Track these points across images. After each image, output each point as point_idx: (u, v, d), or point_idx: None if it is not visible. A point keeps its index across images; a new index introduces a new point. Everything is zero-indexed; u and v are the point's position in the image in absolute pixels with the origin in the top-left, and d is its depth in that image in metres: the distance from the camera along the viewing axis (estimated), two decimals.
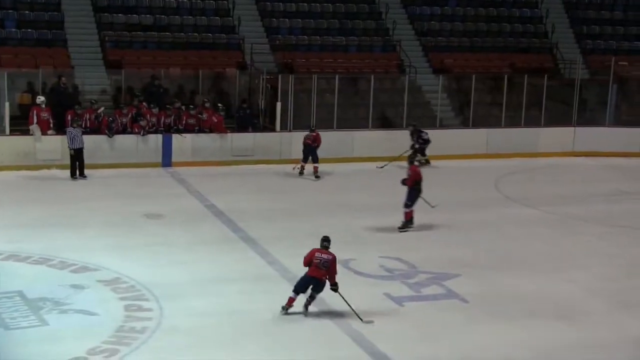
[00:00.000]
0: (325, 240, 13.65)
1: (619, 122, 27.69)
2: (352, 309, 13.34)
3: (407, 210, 18.11)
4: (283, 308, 13.44)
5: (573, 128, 26.75)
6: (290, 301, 13.44)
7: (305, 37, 28.20)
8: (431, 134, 25.09)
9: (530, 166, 25.02)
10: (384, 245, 17.05)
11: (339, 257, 15.72)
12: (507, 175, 23.87)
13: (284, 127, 24.48)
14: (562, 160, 25.88)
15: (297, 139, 23.54)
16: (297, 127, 24.22)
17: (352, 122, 25.27)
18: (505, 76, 27.07)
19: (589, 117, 27.67)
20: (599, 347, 12.91)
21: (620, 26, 30.75)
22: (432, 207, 18.34)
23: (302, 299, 13.43)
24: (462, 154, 25.24)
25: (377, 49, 28.75)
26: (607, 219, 19.77)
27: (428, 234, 18.13)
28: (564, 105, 27.47)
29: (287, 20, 28.43)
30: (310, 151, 22.62)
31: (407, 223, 18.10)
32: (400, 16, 29.61)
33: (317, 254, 13.44)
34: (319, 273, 13.37)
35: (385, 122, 26.00)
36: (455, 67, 28.42)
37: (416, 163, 19.23)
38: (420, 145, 24.26)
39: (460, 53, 29.13)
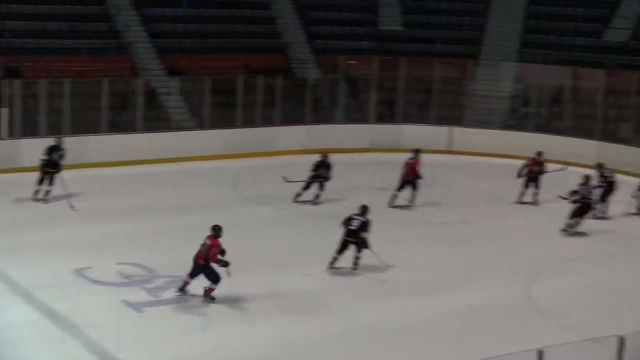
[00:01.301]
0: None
1: (349, 119, 28.73)
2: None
3: None
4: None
5: (307, 126, 27.46)
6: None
7: (32, 40, 26.92)
8: (168, 136, 24.93)
9: (268, 165, 25.35)
10: (121, 251, 16.59)
11: (74, 266, 15.15)
12: (245, 174, 24.06)
13: (11, 135, 23.25)
14: (298, 158, 26.39)
15: (25, 147, 22.43)
16: (26, 134, 23.09)
17: (85, 127, 24.41)
18: (240, 77, 27.27)
19: (321, 115, 28.51)
20: (338, 337, 13.32)
21: (348, 27, 31.91)
22: None
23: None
24: (199, 155, 25.14)
25: (110, 52, 27.98)
26: (343, 213, 20.36)
27: (167, 237, 17.86)
28: (298, 104, 28.10)
29: (11, 22, 27.00)
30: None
31: None
32: (133, 18, 29.02)
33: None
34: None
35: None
36: (190, 68, 28.27)
37: None
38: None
39: (194, 54, 28.97)
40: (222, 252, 14.29)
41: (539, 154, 22.06)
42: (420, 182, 21.21)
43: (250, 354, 12.54)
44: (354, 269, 16.19)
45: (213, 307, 14.10)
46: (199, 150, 25.32)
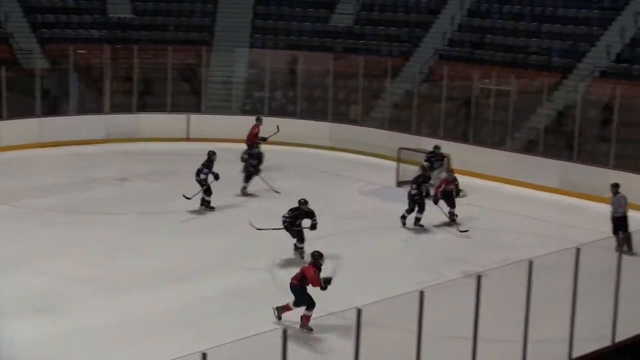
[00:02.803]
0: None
1: (83, 110, 27.89)
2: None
3: None
4: None
5: (38, 119, 26.32)
6: None
7: None
8: None
9: None
10: None
11: None
12: None
13: None
14: (28, 152, 25.26)
15: None
16: None
17: None
18: None
19: (53, 107, 27.46)
20: (84, 333, 12.97)
21: (76, 14, 30.90)
22: None
23: None
24: None
25: None
26: (80, 207, 19.84)
27: None
28: (26, 96, 26.84)
29: None
30: None
31: None
32: None
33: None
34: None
35: None
36: None
37: None
38: None
39: None
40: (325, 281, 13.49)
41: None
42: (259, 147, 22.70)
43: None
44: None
45: None
46: None
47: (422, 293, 9.93)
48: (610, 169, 21.97)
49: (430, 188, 19.70)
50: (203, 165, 19.90)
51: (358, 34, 30.75)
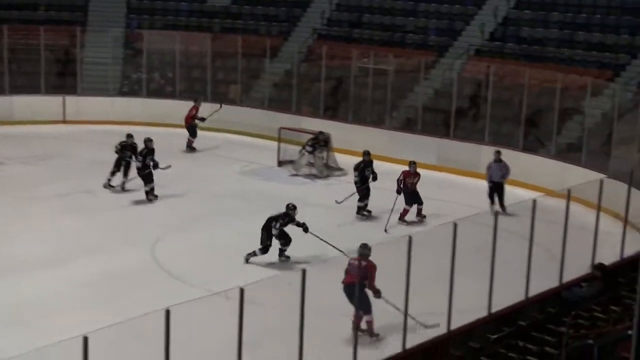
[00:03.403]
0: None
1: None
2: None
3: None
4: None
5: None
6: None
7: None
8: None
9: None
10: None
11: None
12: None
13: None
14: None
15: None
16: None
17: None
18: None
19: None
20: None
21: None
22: None
23: None
24: None
25: None
26: None
27: None
28: None
29: None
30: None
31: None
32: None
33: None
34: None
35: None
36: None
37: None
38: None
39: None
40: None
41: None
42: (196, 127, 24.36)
43: None
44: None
45: None
46: None
47: (304, 271, 10.00)
48: (485, 144, 22.59)
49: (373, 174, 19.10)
50: (140, 153, 19.40)
51: (236, 14, 30.53)
